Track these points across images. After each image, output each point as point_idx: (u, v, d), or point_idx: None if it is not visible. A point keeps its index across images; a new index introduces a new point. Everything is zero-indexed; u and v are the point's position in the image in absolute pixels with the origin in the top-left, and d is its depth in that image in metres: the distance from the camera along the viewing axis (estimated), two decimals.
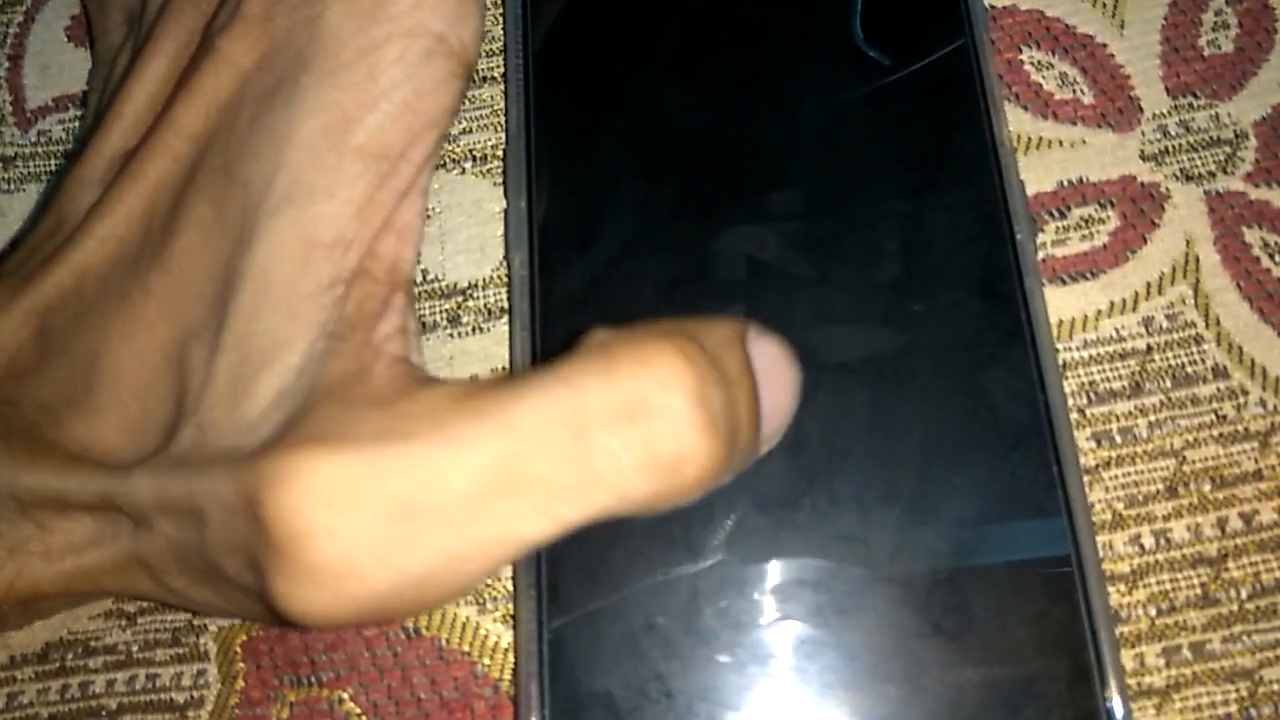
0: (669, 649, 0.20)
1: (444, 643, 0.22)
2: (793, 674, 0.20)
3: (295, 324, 0.18)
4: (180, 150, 0.19)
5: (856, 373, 0.22)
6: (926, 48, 0.24)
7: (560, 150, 0.24)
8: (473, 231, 0.25)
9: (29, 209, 0.26)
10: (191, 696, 0.22)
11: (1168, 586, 0.21)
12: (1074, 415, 0.22)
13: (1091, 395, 0.22)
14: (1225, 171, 0.24)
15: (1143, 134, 0.24)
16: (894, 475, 0.21)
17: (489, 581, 0.22)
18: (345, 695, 0.22)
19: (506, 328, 0.24)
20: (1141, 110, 0.24)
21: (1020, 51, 0.25)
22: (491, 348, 0.24)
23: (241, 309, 0.18)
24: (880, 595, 0.20)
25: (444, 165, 0.25)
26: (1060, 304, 0.23)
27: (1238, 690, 0.20)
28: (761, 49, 0.24)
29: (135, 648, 0.22)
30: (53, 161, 0.27)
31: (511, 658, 0.22)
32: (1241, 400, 0.22)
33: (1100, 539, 0.21)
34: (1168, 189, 0.24)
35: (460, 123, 0.26)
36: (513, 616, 0.22)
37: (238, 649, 0.22)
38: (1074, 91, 0.25)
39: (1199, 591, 0.21)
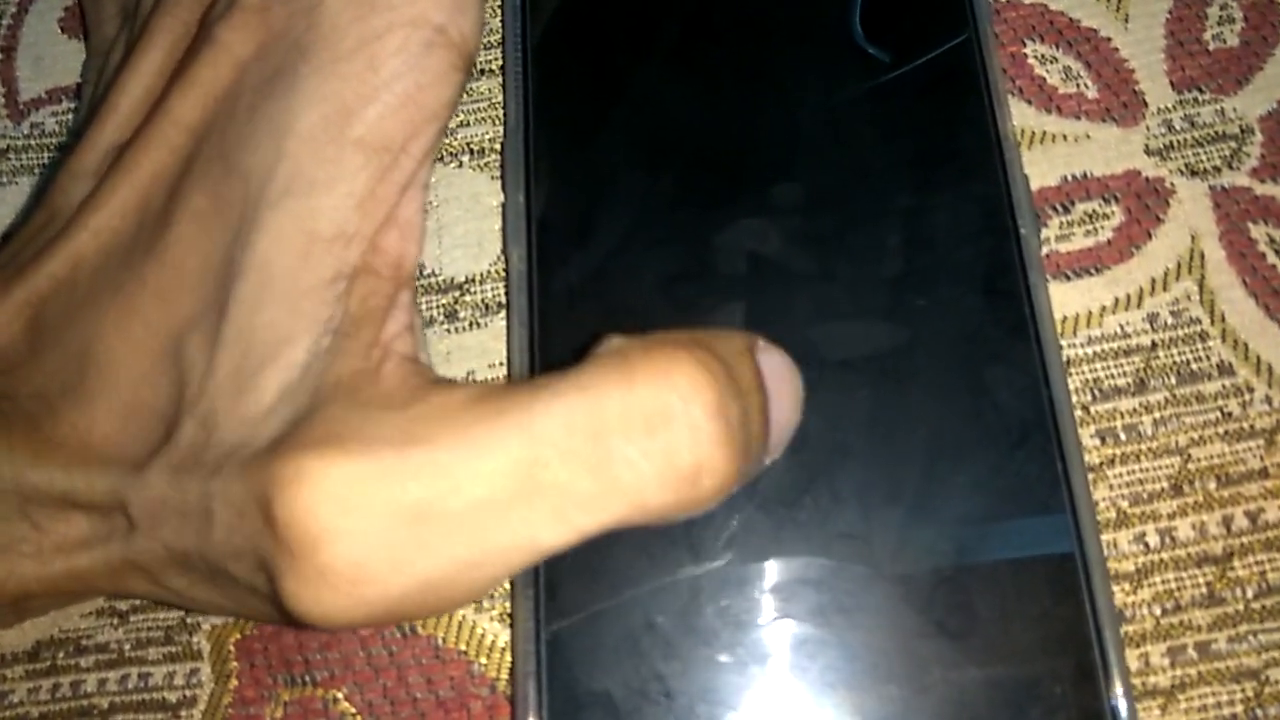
0: (669, 648, 0.20)
1: (440, 642, 0.22)
2: (794, 674, 0.20)
3: (298, 319, 0.18)
4: (176, 142, 0.19)
5: (858, 369, 0.21)
6: (931, 41, 0.23)
7: (558, 144, 0.23)
8: (470, 226, 0.25)
9: (21, 202, 0.26)
10: (184, 695, 0.22)
11: (1173, 585, 0.21)
12: (1078, 412, 0.22)
13: (1096, 392, 0.22)
14: (1230, 167, 0.24)
15: (1147, 129, 0.24)
16: (896, 473, 0.21)
17: None
18: (340, 694, 0.21)
19: (504, 323, 0.24)
20: (1146, 105, 0.24)
21: (1024, 45, 0.25)
22: (489, 343, 0.24)
23: (242, 302, 0.18)
24: (883, 594, 0.20)
25: (441, 158, 0.25)
26: (1064, 300, 0.23)
27: (1243, 690, 0.20)
28: (763, 40, 0.24)
29: (127, 646, 0.22)
30: (46, 154, 0.27)
31: (509, 657, 0.21)
32: (1247, 397, 0.22)
33: (1105, 537, 0.21)
34: (1172, 184, 0.24)
35: (458, 115, 0.25)
36: (510, 615, 0.21)
37: (232, 648, 0.22)
38: (1078, 85, 0.24)
39: (1204, 590, 0.21)
